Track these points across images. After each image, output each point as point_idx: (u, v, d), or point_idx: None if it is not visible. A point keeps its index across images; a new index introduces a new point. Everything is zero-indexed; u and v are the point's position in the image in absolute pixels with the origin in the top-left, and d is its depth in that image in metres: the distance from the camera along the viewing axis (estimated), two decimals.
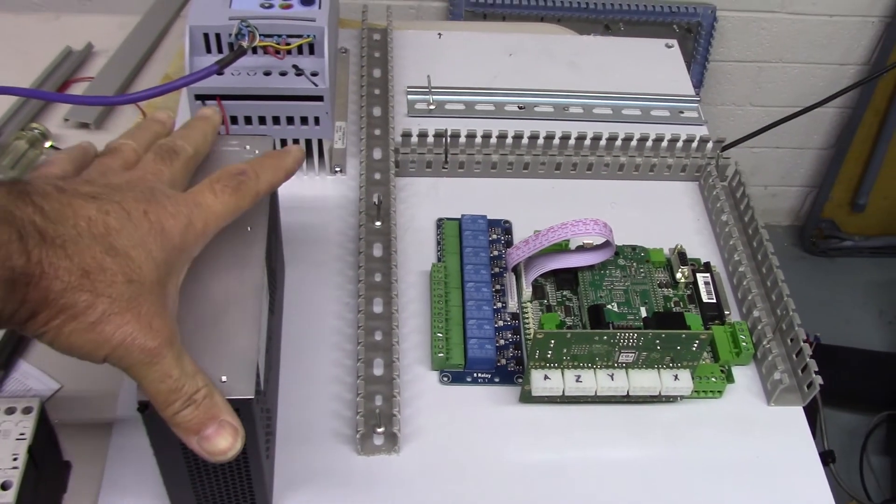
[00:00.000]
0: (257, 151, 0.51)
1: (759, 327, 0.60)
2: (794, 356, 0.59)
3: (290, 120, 0.65)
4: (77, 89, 0.77)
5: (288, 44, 0.62)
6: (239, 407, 0.41)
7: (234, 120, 0.64)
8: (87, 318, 0.36)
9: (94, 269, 0.36)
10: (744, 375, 0.60)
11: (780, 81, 1.58)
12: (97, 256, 0.36)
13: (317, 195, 0.68)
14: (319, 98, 0.63)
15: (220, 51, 0.62)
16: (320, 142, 0.67)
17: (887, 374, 1.45)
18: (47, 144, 0.70)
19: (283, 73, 0.63)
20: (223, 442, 0.40)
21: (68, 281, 0.35)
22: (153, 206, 0.40)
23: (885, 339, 1.63)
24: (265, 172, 0.47)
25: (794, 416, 0.58)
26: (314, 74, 0.63)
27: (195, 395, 0.39)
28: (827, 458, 1.29)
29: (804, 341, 0.57)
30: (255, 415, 0.42)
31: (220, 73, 0.59)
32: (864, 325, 1.66)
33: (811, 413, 0.58)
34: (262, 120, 0.64)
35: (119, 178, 0.41)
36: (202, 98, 0.62)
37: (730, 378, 0.59)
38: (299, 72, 0.63)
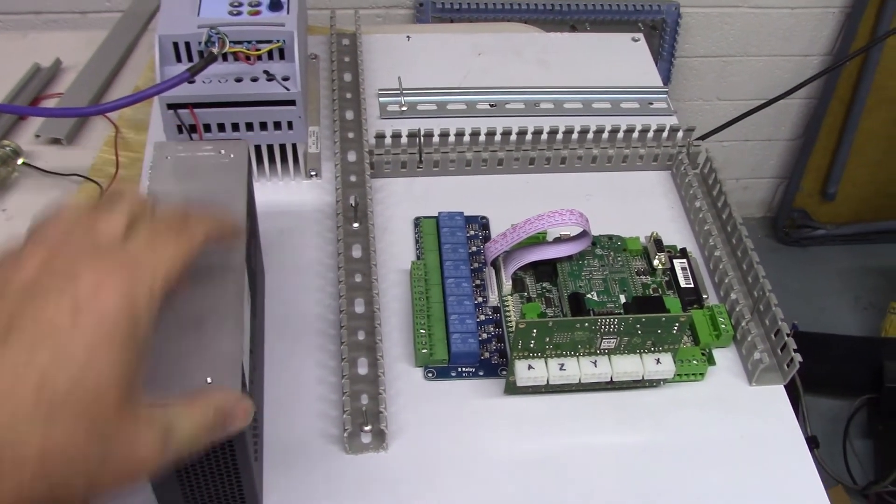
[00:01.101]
0: (232, 156, 0.51)
1: (738, 309, 0.60)
2: (772, 336, 0.59)
3: (263, 125, 0.65)
4: (47, 105, 0.76)
5: (258, 49, 0.62)
6: None
7: (206, 128, 0.64)
8: None
9: None
10: (724, 357, 0.61)
11: (745, 75, 1.60)
12: None
13: (293, 200, 0.68)
14: (292, 102, 0.64)
15: (190, 59, 0.62)
16: (294, 147, 0.68)
17: (866, 358, 1.47)
18: (19, 161, 0.70)
19: (254, 79, 0.63)
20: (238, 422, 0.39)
21: None
22: None
23: (861, 324, 1.65)
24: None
25: (776, 396, 0.59)
26: (285, 79, 0.63)
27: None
28: (811, 443, 1.30)
29: (781, 320, 0.58)
30: None
31: (191, 80, 0.60)
32: (840, 311, 1.68)
33: (793, 400, 0.59)
34: (235, 126, 0.64)
35: None
36: (174, 107, 0.62)
37: (711, 360, 0.60)
38: (270, 77, 0.63)
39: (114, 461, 0.33)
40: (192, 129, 0.63)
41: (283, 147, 0.67)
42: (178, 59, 0.62)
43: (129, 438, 0.33)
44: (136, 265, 0.35)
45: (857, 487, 1.37)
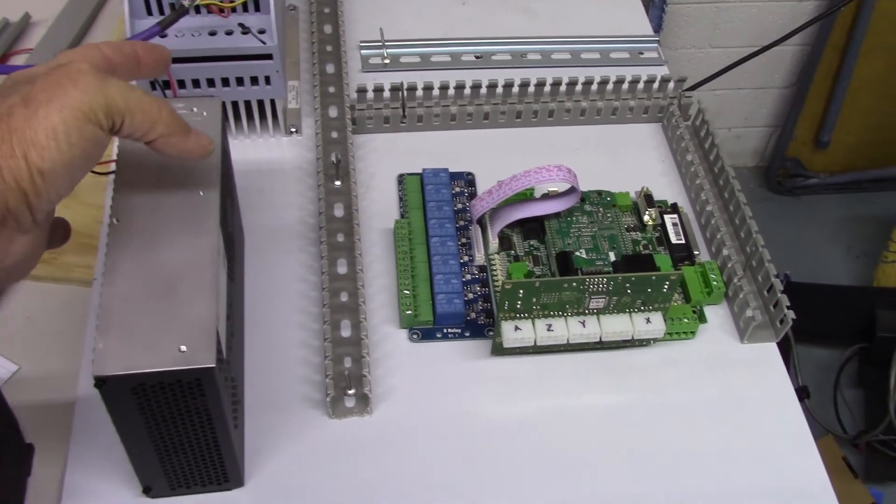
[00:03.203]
0: (205, 113, 0.49)
1: (730, 265, 0.59)
2: (765, 292, 0.58)
3: (239, 81, 0.62)
4: (16, 62, 0.74)
5: (232, 1, 0.60)
6: (200, 376, 0.39)
7: (181, 84, 0.61)
8: None
9: None
10: (716, 315, 0.59)
11: (738, 21, 1.57)
12: None
13: (273, 157, 0.67)
14: (268, 56, 0.61)
15: (161, 12, 0.60)
16: (273, 102, 0.65)
17: (857, 307, 1.46)
18: None
19: (228, 33, 0.60)
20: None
21: None
22: None
23: (853, 274, 1.64)
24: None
25: (768, 353, 0.58)
26: (261, 32, 0.61)
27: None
28: (801, 394, 1.30)
29: (774, 276, 0.57)
30: (219, 383, 0.40)
31: (162, 34, 0.57)
32: (832, 261, 1.67)
33: (784, 350, 0.58)
34: (210, 82, 0.62)
35: None
36: None
37: (702, 318, 0.59)
38: (245, 30, 0.60)
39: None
40: (166, 85, 0.61)
41: (261, 103, 0.65)
42: (149, 13, 0.60)
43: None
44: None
45: (847, 437, 1.38)
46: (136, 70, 0.42)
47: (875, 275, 1.55)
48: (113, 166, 0.47)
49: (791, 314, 0.55)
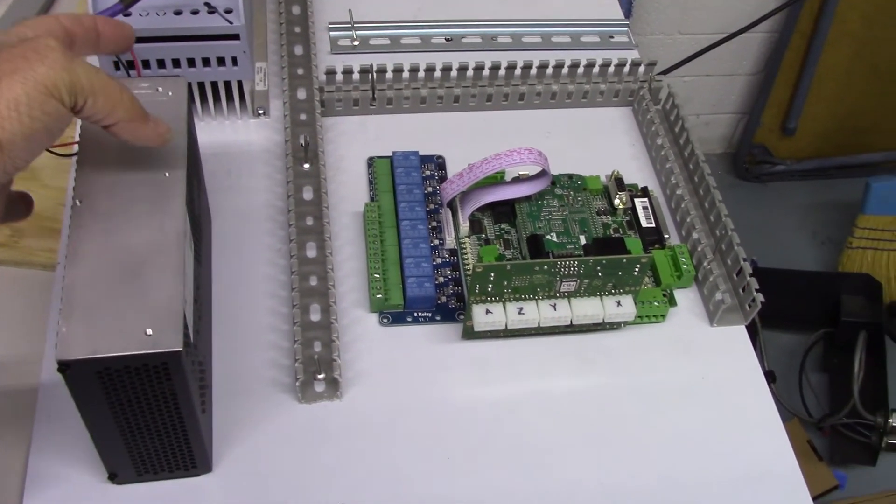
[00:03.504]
0: (170, 94, 0.48)
1: (699, 249, 0.59)
2: (734, 276, 0.58)
3: (205, 62, 0.61)
4: None
5: None
6: (167, 360, 0.39)
7: (145, 64, 0.60)
8: None
9: None
10: (686, 298, 0.60)
11: (707, 8, 1.58)
12: None
13: (240, 140, 0.66)
14: (235, 36, 0.60)
15: None
16: (240, 84, 0.64)
17: (822, 292, 1.48)
18: None
19: (194, 12, 0.59)
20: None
21: None
22: None
23: (818, 259, 1.66)
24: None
25: (737, 336, 0.58)
26: (228, 11, 0.60)
27: None
28: (768, 378, 1.31)
29: (743, 260, 0.57)
30: (186, 367, 0.40)
31: (126, 13, 0.56)
32: (798, 247, 1.69)
33: (751, 335, 0.58)
34: (176, 63, 0.61)
35: None
36: None
37: (672, 301, 0.59)
38: (212, 9, 0.59)
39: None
40: (130, 65, 0.59)
41: (227, 84, 0.64)
42: None
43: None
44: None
45: (812, 420, 1.39)
46: (96, 44, 0.42)
47: (840, 260, 1.57)
48: (76, 148, 0.46)
49: (760, 297, 0.56)
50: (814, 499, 0.51)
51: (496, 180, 0.61)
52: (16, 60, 0.35)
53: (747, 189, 1.80)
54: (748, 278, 0.56)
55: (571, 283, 0.53)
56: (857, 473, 1.35)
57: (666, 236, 0.61)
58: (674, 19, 1.59)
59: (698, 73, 1.69)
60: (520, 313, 0.53)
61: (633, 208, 0.62)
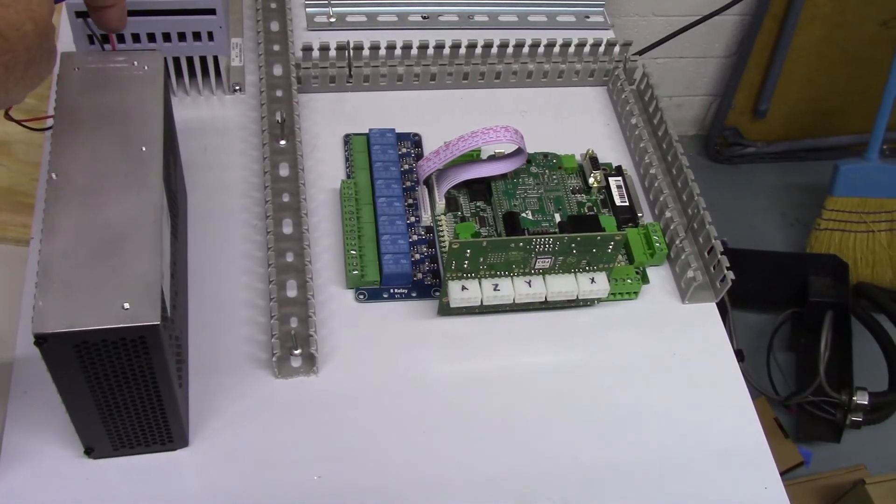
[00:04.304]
0: (146, 68, 0.48)
1: (672, 227, 0.60)
2: (706, 254, 0.59)
3: (181, 36, 0.61)
4: None
5: None
6: (145, 334, 0.39)
7: (120, 39, 0.60)
8: None
9: None
10: (658, 276, 0.60)
11: None
12: None
13: (216, 116, 0.65)
14: (211, 11, 0.60)
15: None
16: (216, 59, 0.64)
17: (791, 273, 1.50)
18: None
19: None
20: None
21: None
22: None
23: (787, 240, 1.68)
24: None
25: (708, 313, 0.59)
26: None
27: None
28: (737, 357, 1.33)
29: (715, 238, 0.58)
30: (164, 341, 0.40)
31: None
32: (768, 228, 1.71)
33: (721, 315, 0.59)
34: (151, 37, 0.60)
35: None
36: (84, 15, 0.58)
37: (645, 279, 0.59)
38: None
39: None
40: (105, 39, 0.59)
41: (203, 59, 0.64)
42: None
43: None
44: None
45: (779, 398, 1.42)
46: None
47: (808, 242, 1.59)
48: (50, 122, 0.45)
49: (730, 274, 0.57)
50: (780, 474, 0.52)
51: (472, 158, 0.61)
52: None
53: (718, 171, 1.81)
54: (719, 256, 0.57)
55: (546, 260, 0.53)
56: (822, 450, 1.38)
57: (639, 214, 0.62)
58: (649, 0, 1.60)
59: (671, 55, 1.69)
60: (495, 290, 0.54)
61: (608, 187, 0.63)
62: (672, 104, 1.80)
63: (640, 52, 0.74)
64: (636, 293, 0.59)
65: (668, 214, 0.60)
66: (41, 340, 0.37)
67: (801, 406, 1.40)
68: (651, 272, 0.60)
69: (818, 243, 1.56)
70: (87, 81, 0.47)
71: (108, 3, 0.43)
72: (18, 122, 0.62)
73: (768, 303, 1.53)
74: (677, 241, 0.59)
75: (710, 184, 1.75)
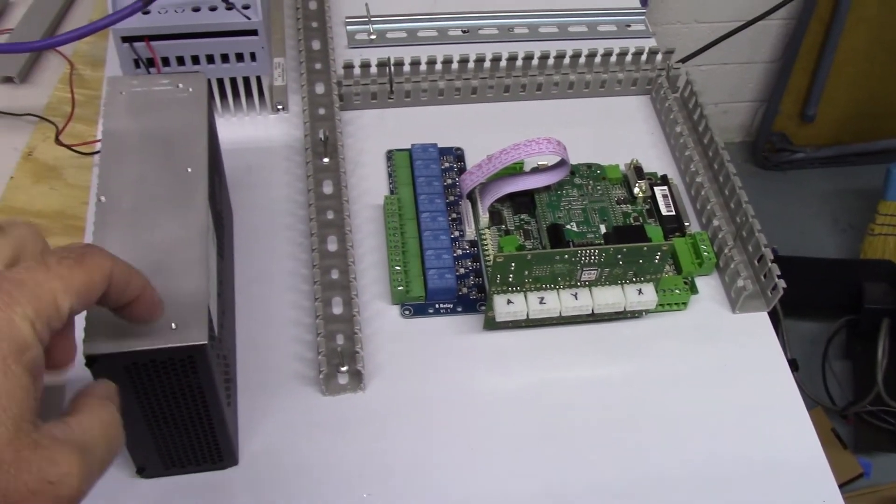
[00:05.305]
0: (191, 90, 0.48)
1: (720, 236, 0.59)
2: (755, 262, 0.58)
3: (224, 58, 0.62)
4: None
5: None
6: (193, 354, 0.39)
7: (165, 62, 0.61)
8: None
9: None
10: (707, 285, 0.59)
11: None
12: None
13: (260, 135, 0.66)
14: (253, 32, 0.60)
15: None
16: (259, 79, 0.65)
17: (844, 280, 1.47)
18: None
19: (212, 8, 0.60)
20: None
21: None
22: None
23: (840, 247, 1.65)
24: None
25: (760, 322, 0.58)
26: (246, 7, 0.60)
27: None
28: (791, 367, 1.31)
29: (765, 245, 0.57)
30: (211, 360, 0.40)
31: (145, 11, 0.57)
32: (819, 234, 1.68)
33: (773, 324, 0.58)
34: (195, 59, 0.61)
35: None
36: (129, 40, 0.59)
37: (693, 289, 0.59)
38: (230, 5, 0.60)
39: (23, 495, 0.29)
40: (150, 63, 0.60)
41: (246, 80, 0.64)
42: None
43: (36, 468, 0.29)
44: (16, 287, 0.30)
45: (836, 408, 1.39)
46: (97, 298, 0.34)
47: (861, 247, 1.56)
48: (98, 146, 0.46)
49: (782, 283, 0.55)
50: (839, 487, 0.51)
51: (515, 171, 0.61)
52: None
53: (767, 178, 1.79)
54: (770, 264, 0.56)
55: (592, 272, 0.53)
56: (882, 461, 1.34)
57: (686, 224, 0.61)
58: (690, 7, 1.58)
59: (716, 62, 1.68)
60: (541, 303, 0.53)
61: (653, 196, 0.62)
62: (718, 111, 1.78)
63: (684, 60, 0.73)
64: (685, 304, 0.58)
65: (715, 223, 0.60)
66: (91, 361, 0.38)
67: (859, 416, 1.37)
68: (700, 282, 0.59)
69: (872, 249, 1.53)
70: (133, 105, 0.47)
71: (131, 297, 0.35)
72: (68, 147, 0.63)
73: (822, 311, 1.50)
74: (726, 250, 0.58)
75: (759, 191, 1.73)
